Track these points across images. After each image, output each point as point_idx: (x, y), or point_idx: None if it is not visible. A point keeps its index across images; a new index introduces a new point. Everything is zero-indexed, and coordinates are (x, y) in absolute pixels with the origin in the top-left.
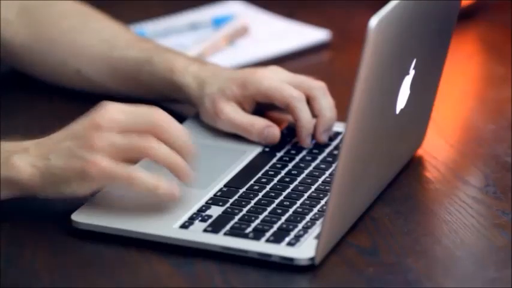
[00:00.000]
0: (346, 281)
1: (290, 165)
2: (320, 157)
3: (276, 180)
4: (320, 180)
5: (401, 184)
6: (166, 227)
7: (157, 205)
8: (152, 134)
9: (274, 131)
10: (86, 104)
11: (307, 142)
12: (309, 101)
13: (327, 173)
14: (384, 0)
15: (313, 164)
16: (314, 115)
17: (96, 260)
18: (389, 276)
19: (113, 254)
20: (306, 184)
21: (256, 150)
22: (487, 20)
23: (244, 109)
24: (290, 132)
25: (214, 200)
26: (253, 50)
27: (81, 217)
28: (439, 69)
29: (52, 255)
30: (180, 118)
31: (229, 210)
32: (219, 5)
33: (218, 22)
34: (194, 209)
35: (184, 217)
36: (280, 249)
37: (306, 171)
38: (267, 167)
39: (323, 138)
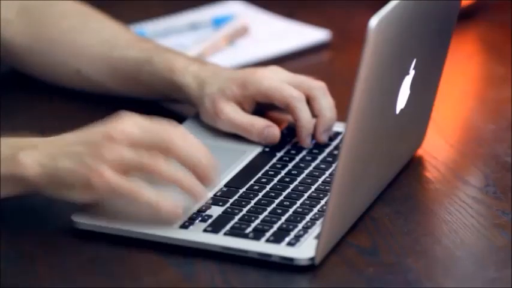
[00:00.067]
0: (346, 281)
1: (290, 165)
2: (320, 157)
3: (276, 180)
4: (320, 180)
5: (401, 184)
6: (167, 227)
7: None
8: (164, 152)
9: (274, 131)
10: (86, 104)
11: (307, 142)
12: (309, 101)
13: (327, 173)
14: (384, 0)
15: (313, 164)
16: (314, 115)
17: (97, 260)
18: (389, 276)
19: (113, 254)
20: (306, 184)
21: (256, 150)
22: (487, 20)
23: (244, 109)
24: (290, 132)
25: (214, 200)
26: (253, 50)
27: (81, 217)
28: (439, 69)
29: (52, 255)
30: (180, 118)
31: (229, 210)
32: (219, 5)
33: (218, 22)
34: (194, 209)
35: (184, 217)
36: (280, 249)
37: (306, 171)
38: (267, 167)
39: (323, 138)
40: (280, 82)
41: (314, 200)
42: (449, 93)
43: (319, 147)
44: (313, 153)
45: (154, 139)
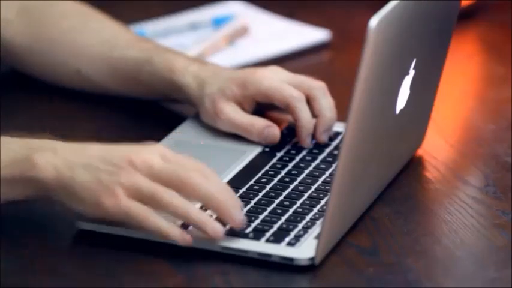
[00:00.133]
0: (346, 281)
1: (290, 165)
2: (320, 157)
3: (276, 180)
4: (320, 180)
5: (401, 184)
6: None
7: None
8: (180, 189)
9: (274, 131)
10: (86, 104)
11: (307, 142)
12: (309, 101)
13: (327, 173)
14: (384, 0)
15: (313, 164)
16: (314, 115)
17: (97, 260)
18: (389, 276)
19: (114, 254)
20: (306, 184)
21: (256, 150)
22: (487, 20)
23: (244, 109)
24: (290, 132)
25: None
26: (253, 50)
27: (82, 217)
28: (439, 69)
29: (53, 256)
30: (180, 118)
31: None
32: (219, 5)
33: (218, 22)
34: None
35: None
36: (280, 249)
37: (306, 171)
38: (267, 167)
39: (323, 138)
40: (280, 82)
41: (314, 200)
42: (449, 93)
43: (319, 147)
44: (313, 153)
45: (173, 175)
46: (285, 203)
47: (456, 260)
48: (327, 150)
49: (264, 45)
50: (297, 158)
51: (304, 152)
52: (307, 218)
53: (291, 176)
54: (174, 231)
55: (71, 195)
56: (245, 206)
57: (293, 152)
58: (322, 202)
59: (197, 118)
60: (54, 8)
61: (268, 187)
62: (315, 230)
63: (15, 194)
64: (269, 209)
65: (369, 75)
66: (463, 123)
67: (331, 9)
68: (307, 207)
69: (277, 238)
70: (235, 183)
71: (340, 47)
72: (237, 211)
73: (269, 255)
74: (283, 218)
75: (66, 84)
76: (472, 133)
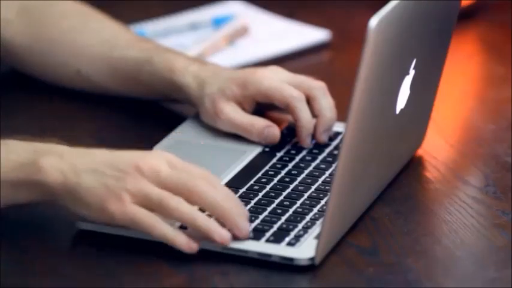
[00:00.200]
0: (346, 281)
1: (290, 165)
2: (320, 157)
3: (276, 180)
4: (320, 180)
5: (401, 184)
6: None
7: None
8: (186, 197)
9: (274, 131)
10: (86, 104)
11: (307, 142)
12: (309, 101)
13: (327, 173)
14: (384, 0)
15: (313, 164)
16: (314, 115)
17: (97, 261)
18: (389, 276)
19: (114, 254)
20: (306, 184)
21: (256, 150)
22: (487, 20)
23: (244, 109)
24: (290, 132)
25: None
26: (253, 50)
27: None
28: (439, 69)
29: (53, 256)
30: (180, 118)
31: None
32: (219, 5)
33: (218, 22)
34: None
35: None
36: (280, 249)
37: (306, 171)
38: (267, 167)
39: (323, 138)
40: (280, 82)
41: (314, 200)
42: (449, 93)
43: (319, 147)
44: (313, 153)
45: (179, 182)
46: (285, 203)
47: (456, 260)
48: (327, 150)
49: (264, 45)
50: (297, 158)
51: (304, 152)
52: (307, 218)
53: (291, 176)
54: (180, 239)
55: (76, 200)
56: (245, 206)
57: (293, 152)
58: (322, 202)
59: (197, 118)
60: (54, 8)
61: (268, 187)
62: (315, 230)
63: (20, 197)
64: (269, 209)
65: (369, 75)
66: (463, 123)
67: (331, 9)
68: (307, 207)
69: (277, 238)
70: (235, 183)
71: (340, 47)
72: (242, 219)
73: (269, 255)
74: (283, 218)
75: (66, 84)
76: (472, 133)
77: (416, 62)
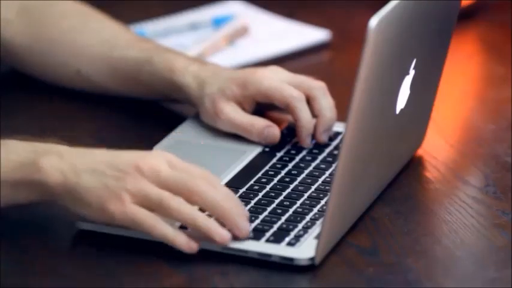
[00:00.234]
0: (346, 281)
1: (290, 165)
2: (320, 157)
3: (276, 180)
4: (320, 180)
5: (401, 184)
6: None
7: None
8: (187, 196)
9: (274, 131)
10: (86, 104)
11: (307, 142)
12: (309, 101)
13: (327, 173)
14: (384, 0)
15: (313, 164)
16: (314, 115)
17: (97, 261)
18: (389, 276)
19: (114, 254)
20: (306, 184)
21: (256, 150)
22: (487, 20)
23: (244, 109)
24: (290, 132)
25: None
26: (253, 50)
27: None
28: (439, 69)
29: (53, 256)
30: (180, 118)
31: None
32: (219, 5)
33: (218, 22)
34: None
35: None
36: (280, 249)
37: (306, 171)
38: (267, 167)
39: (323, 138)
40: (280, 82)
41: (314, 200)
42: (449, 93)
43: (319, 147)
44: (313, 153)
45: (180, 182)
46: (285, 203)
47: (456, 260)
48: (327, 150)
49: (264, 45)
50: (297, 158)
51: (304, 152)
52: (307, 218)
53: (291, 176)
54: (180, 239)
55: (76, 200)
56: (245, 206)
57: (293, 152)
58: (322, 202)
59: (197, 118)
60: (54, 8)
61: (268, 187)
62: (315, 230)
63: (20, 197)
64: (269, 209)
65: (369, 75)
66: (463, 123)
67: (331, 9)
68: (307, 207)
69: (277, 238)
70: (235, 183)
71: (340, 47)
72: (242, 220)
73: (269, 255)
74: (283, 218)
75: (66, 84)
76: (472, 133)
77: (416, 62)
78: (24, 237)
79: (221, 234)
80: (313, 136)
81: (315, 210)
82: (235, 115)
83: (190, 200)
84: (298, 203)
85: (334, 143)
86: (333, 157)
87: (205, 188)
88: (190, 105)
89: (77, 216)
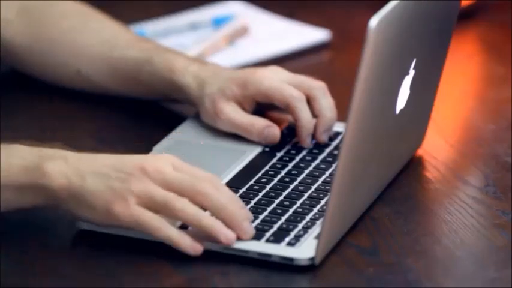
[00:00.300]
0: (346, 281)
1: (290, 165)
2: (320, 157)
3: (276, 180)
4: (320, 180)
5: (401, 184)
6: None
7: None
8: (192, 198)
9: (274, 131)
10: (86, 104)
11: (307, 142)
12: (309, 101)
13: (327, 173)
14: (384, 0)
15: (313, 164)
16: (314, 115)
17: (97, 261)
18: (389, 276)
19: (114, 254)
20: (306, 184)
21: (256, 150)
22: (487, 20)
23: (244, 109)
24: (290, 132)
25: None
26: (253, 50)
27: None
28: (439, 69)
29: (53, 256)
30: (180, 118)
31: None
32: (219, 5)
33: (218, 22)
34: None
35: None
36: (280, 249)
37: (306, 171)
38: (267, 167)
39: (323, 138)
40: (280, 82)
41: (314, 200)
42: (449, 93)
43: (319, 147)
44: (313, 153)
45: (185, 183)
46: (285, 203)
47: (456, 260)
48: (327, 150)
49: (264, 45)
50: (297, 158)
51: (304, 152)
52: (307, 218)
53: (291, 176)
54: (184, 241)
55: (81, 203)
56: (245, 206)
57: (293, 152)
58: (322, 202)
59: (197, 118)
60: (54, 8)
61: (268, 187)
62: (315, 230)
63: (24, 201)
64: (269, 209)
65: (369, 75)
66: (463, 123)
67: (331, 9)
68: (307, 207)
69: (277, 238)
70: (235, 183)
71: (340, 47)
72: (246, 222)
73: (269, 255)
74: (283, 218)
75: (66, 84)
76: (472, 133)
77: (416, 62)
78: (24, 237)
79: (226, 234)
80: (313, 136)
81: (315, 210)
82: (235, 115)
83: (195, 202)
84: (298, 203)
85: (334, 143)
86: (333, 157)
87: (210, 190)
88: (190, 105)
89: (79, 218)
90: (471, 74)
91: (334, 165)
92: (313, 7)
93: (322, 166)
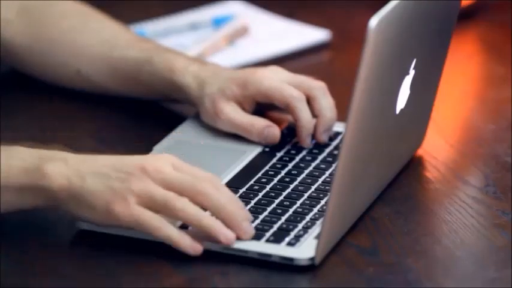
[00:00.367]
0: (346, 281)
1: (290, 165)
2: (320, 157)
3: (276, 180)
4: (320, 180)
5: (401, 184)
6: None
7: None
8: (193, 198)
9: (274, 131)
10: (86, 104)
11: (307, 142)
12: (309, 101)
13: (327, 173)
14: (384, 0)
15: (313, 164)
16: (314, 115)
17: (97, 261)
18: (389, 276)
19: (114, 254)
20: (306, 184)
21: (256, 150)
22: (487, 20)
23: (244, 109)
24: (290, 132)
25: None
26: (253, 50)
27: None
28: (439, 69)
29: (53, 256)
30: (180, 118)
31: None
32: (219, 5)
33: (218, 22)
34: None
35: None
36: (280, 249)
37: (306, 171)
38: (267, 167)
39: (323, 138)
40: (280, 82)
41: (314, 200)
42: (449, 93)
43: (319, 147)
44: (313, 153)
45: (185, 183)
46: (285, 203)
47: (456, 260)
48: (327, 150)
49: (264, 45)
50: (297, 158)
51: (304, 152)
52: (307, 218)
53: (291, 176)
54: (184, 241)
55: (81, 204)
56: (245, 206)
57: (293, 152)
58: (322, 202)
59: (197, 118)
60: (54, 8)
61: (268, 187)
62: (315, 230)
63: (24, 203)
64: (269, 209)
65: (369, 75)
66: (463, 123)
67: (331, 9)
68: (307, 207)
69: (277, 238)
70: (235, 183)
71: (340, 47)
72: (246, 222)
73: (269, 255)
74: (283, 218)
75: (66, 84)
76: (472, 133)
77: (416, 62)
78: (24, 237)
79: (226, 234)
80: (313, 136)
81: (315, 210)
82: (235, 115)
83: (195, 201)
84: (298, 203)
85: (334, 143)
86: (333, 157)
87: (210, 190)
88: (190, 105)
89: (79, 218)
90: (471, 74)
91: (334, 165)
92: (313, 7)
93: (322, 166)
